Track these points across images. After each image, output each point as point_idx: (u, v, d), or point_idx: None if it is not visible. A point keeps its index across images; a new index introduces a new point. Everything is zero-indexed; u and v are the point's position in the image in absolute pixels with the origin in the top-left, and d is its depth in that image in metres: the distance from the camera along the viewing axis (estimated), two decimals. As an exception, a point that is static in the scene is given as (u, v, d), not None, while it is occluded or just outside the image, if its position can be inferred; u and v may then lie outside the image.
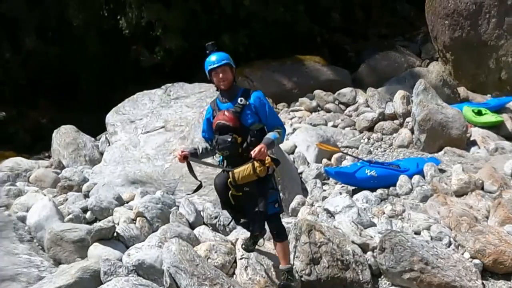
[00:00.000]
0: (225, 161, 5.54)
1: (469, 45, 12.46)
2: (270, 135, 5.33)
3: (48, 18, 15.33)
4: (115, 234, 6.43)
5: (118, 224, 6.68)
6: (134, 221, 6.82)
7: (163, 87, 10.27)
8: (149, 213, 6.88)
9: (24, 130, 14.57)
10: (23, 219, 7.15)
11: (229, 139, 5.26)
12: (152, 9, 13.79)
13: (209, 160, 5.78)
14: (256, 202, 5.27)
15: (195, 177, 5.42)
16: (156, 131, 9.04)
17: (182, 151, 5.38)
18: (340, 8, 15.81)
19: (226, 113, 5.35)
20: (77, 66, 15.00)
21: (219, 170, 5.55)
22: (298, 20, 14.60)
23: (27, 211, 7.30)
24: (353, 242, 6.14)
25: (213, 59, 5.45)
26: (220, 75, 5.41)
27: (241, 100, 5.38)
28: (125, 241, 6.39)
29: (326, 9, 15.64)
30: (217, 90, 5.65)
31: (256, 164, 5.14)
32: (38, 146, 13.15)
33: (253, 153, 5.09)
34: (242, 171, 5.20)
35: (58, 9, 15.03)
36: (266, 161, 5.12)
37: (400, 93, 10.95)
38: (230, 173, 5.25)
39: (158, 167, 8.28)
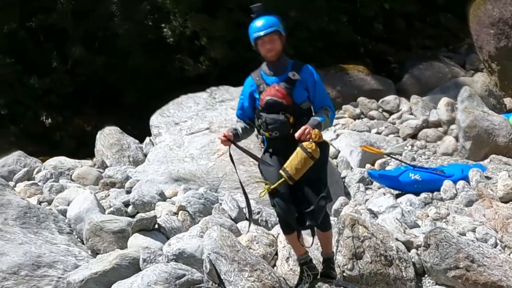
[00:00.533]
0: (270, 143, 4.96)
1: (516, 55, 12.21)
2: (317, 117, 4.78)
3: (94, 28, 15.66)
4: (156, 225, 6.40)
5: (159, 217, 6.66)
6: (176, 214, 6.81)
7: (208, 90, 10.32)
8: (192, 208, 6.86)
9: (69, 136, 14.87)
10: (63, 213, 7.15)
11: (281, 118, 4.69)
12: (196, 18, 13.90)
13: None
14: (317, 189, 4.74)
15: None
16: (201, 132, 9.06)
17: (227, 133, 4.86)
18: (382, 18, 15.70)
19: (277, 87, 4.76)
20: (122, 74, 15.17)
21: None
22: (341, 30, 14.55)
23: (68, 205, 7.31)
24: (396, 239, 6.02)
25: (259, 24, 4.77)
26: (268, 46, 4.77)
27: (293, 75, 4.76)
28: (166, 232, 6.34)
29: (368, 19, 15.57)
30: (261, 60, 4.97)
31: (306, 143, 4.58)
32: (81, 152, 13.33)
33: (297, 134, 4.57)
34: (293, 160, 4.61)
35: (104, 20, 15.31)
36: (314, 135, 4.56)
37: (444, 100, 10.78)
38: (282, 171, 4.67)
39: (202, 165, 8.28)
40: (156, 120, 10.07)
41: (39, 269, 5.77)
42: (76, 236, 6.80)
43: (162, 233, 6.35)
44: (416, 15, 15.96)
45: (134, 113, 14.35)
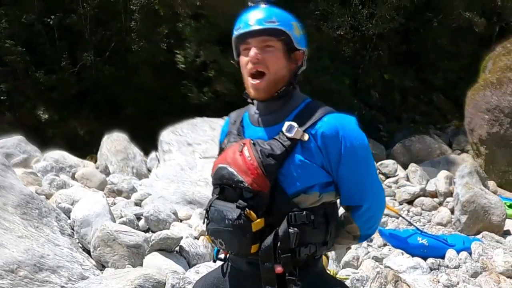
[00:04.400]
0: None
1: (505, 142, 11.70)
2: None
3: (109, 39, 14.76)
4: (177, 248, 5.32)
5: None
6: (197, 239, 5.72)
7: (225, 117, 9.43)
8: (213, 235, 5.78)
9: (61, 136, 13.70)
10: (66, 211, 5.93)
11: (232, 216, 2.06)
12: (210, 50, 13.10)
13: None
14: None
15: None
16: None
17: None
18: (380, 88, 15.24)
19: (247, 149, 2.14)
20: (126, 88, 14.26)
21: None
22: (341, 91, 14.01)
23: (72, 204, 6.14)
24: (431, 303, 5.17)
25: (251, 16, 2.18)
26: (253, 52, 2.14)
27: (289, 128, 2.13)
28: (188, 257, 5.26)
29: (367, 86, 15.10)
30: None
31: None
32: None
33: None
34: None
35: (121, 33, 14.43)
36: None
37: (444, 173, 10.18)
38: None
39: (217, 193, 7.28)
40: (167, 136, 9.05)
41: (41, 272, 4.54)
42: (77, 241, 5.55)
43: (183, 257, 5.25)
44: (412, 91, 15.53)
45: (130, 127, 13.30)
